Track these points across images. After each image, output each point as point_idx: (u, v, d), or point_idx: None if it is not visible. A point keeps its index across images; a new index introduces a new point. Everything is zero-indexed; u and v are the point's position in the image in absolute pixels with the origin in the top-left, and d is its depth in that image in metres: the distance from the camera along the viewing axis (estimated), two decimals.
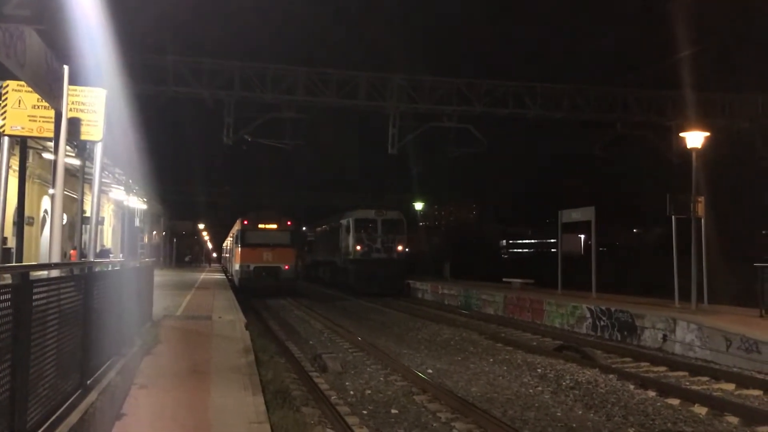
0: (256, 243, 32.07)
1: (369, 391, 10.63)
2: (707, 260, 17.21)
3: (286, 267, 32.29)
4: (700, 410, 9.40)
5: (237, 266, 33.16)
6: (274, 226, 32.73)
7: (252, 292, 30.14)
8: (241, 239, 32.46)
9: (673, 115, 25.04)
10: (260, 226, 32.71)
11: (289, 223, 33.39)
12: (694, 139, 17.55)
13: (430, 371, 12.39)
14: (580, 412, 9.41)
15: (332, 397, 9.97)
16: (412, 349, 15.13)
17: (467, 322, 20.41)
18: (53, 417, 5.10)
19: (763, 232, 43.12)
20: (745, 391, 10.69)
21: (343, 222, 33.92)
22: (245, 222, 32.89)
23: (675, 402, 9.87)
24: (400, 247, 32.44)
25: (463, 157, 28.18)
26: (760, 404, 9.85)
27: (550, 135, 30.85)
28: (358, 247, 31.73)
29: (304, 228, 48.07)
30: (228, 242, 49.96)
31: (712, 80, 25.35)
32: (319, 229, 43.63)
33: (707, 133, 17.74)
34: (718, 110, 25.49)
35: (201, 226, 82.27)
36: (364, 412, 9.34)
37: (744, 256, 24.07)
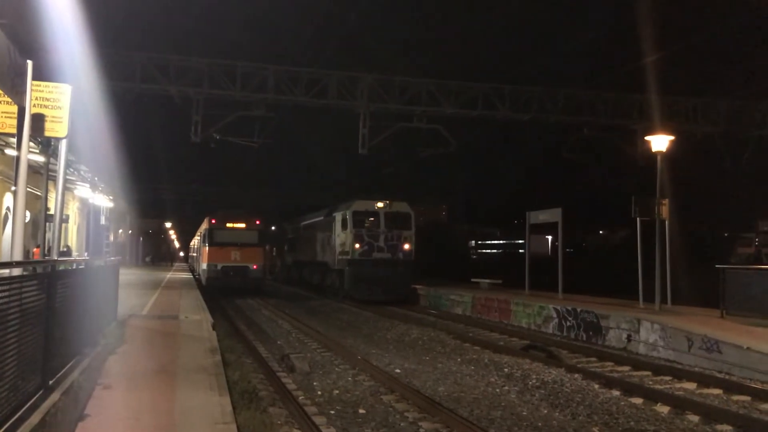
0: (223, 242, 31.81)
1: (337, 391, 10.62)
2: (671, 262, 17.53)
3: (255, 266, 32.09)
4: (663, 409, 9.57)
5: (204, 265, 32.85)
6: (243, 225, 32.51)
7: (219, 291, 29.89)
8: (209, 238, 32.17)
9: (639, 119, 25.46)
10: (228, 225, 32.46)
11: (257, 222, 33.19)
12: (659, 142, 17.88)
13: (398, 371, 12.42)
14: (546, 412, 9.52)
15: (300, 398, 9.93)
16: (381, 349, 15.15)
17: (436, 321, 20.50)
18: (14, 418, 5.01)
19: (725, 234, 44.05)
20: (706, 390, 10.90)
21: (337, 215, 28.46)
22: (213, 221, 32.60)
23: (638, 401, 10.04)
24: (407, 246, 27.04)
25: (433, 158, 28.29)
26: (720, 403, 10.06)
27: (518, 137, 31.09)
28: (357, 245, 26.42)
29: (284, 225, 43.77)
30: (195, 241, 49.45)
31: (676, 85, 25.82)
32: (303, 224, 37.37)
33: (672, 137, 18.09)
34: (683, 114, 25.97)
35: (168, 224, 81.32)
36: (332, 412, 9.33)
37: (707, 258, 24.61)
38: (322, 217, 31.77)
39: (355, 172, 36.74)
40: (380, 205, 27.20)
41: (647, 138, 18.77)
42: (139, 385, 7.98)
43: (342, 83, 23.59)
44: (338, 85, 23.49)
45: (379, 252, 26.71)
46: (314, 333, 17.52)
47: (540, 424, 8.84)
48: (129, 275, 28.77)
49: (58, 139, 8.74)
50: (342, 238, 27.59)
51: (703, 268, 19.19)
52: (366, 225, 26.86)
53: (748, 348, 11.93)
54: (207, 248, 32.29)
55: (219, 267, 31.49)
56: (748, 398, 10.22)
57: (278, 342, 16.36)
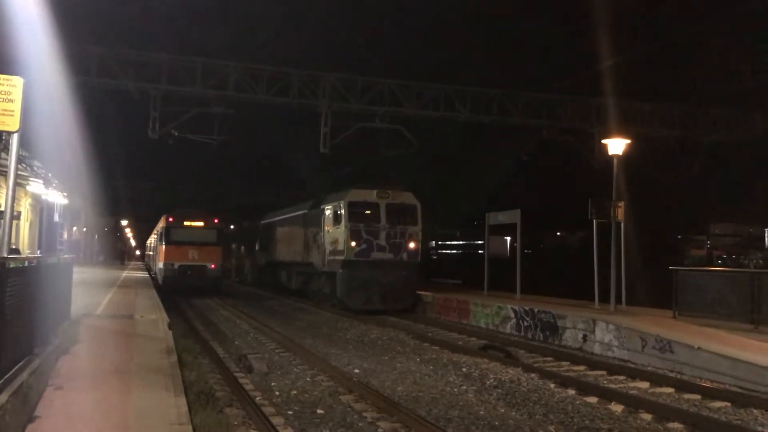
0: (181, 241, 31.34)
1: (295, 392, 10.56)
2: (627, 263, 17.88)
3: (213, 266, 31.70)
4: (617, 408, 9.75)
5: (161, 264, 32.32)
6: (201, 223, 32.06)
7: (176, 291, 29.45)
8: (166, 237, 31.65)
9: (597, 123, 25.90)
10: (186, 223, 31.98)
11: (216, 220, 32.78)
12: (616, 146, 18.22)
13: (357, 371, 12.40)
14: (503, 411, 9.61)
15: (257, 398, 9.84)
16: (340, 349, 15.11)
17: (396, 322, 20.53)
18: None
19: (678, 236, 45.12)
20: (659, 389, 11.14)
21: (327, 208, 24.24)
22: (170, 219, 32.09)
23: (593, 400, 10.21)
24: (412, 245, 22.92)
25: (394, 158, 28.32)
26: (672, 401, 10.29)
27: (479, 138, 31.35)
28: (353, 243, 22.17)
29: (254, 221, 39.55)
30: (152, 240, 48.59)
31: (634, 90, 26.32)
32: (280, 219, 32.89)
33: (628, 141, 18.45)
34: (639, 119, 26.52)
35: (124, 222, 79.81)
36: (290, 412, 9.27)
37: (661, 259, 25.16)
38: (306, 210, 27.59)
39: (317, 171, 36.41)
40: (381, 195, 22.99)
41: (604, 141, 19.11)
42: (93, 385, 7.81)
43: (304, 82, 23.47)
44: (300, 83, 23.36)
45: (379, 251, 22.51)
46: (273, 333, 17.39)
47: (497, 423, 8.92)
48: (83, 274, 28.15)
49: (9, 133, 8.49)
50: (334, 235, 23.36)
51: (658, 270, 19.60)
52: (364, 219, 22.68)
53: (698, 348, 12.24)
54: (164, 247, 31.76)
55: (176, 266, 31.01)
56: (698, 397, 10.48)
57: (236, 342, 16.19)
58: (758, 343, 12.49)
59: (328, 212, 24.14)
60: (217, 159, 36.09)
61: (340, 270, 22.72)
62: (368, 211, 22.82)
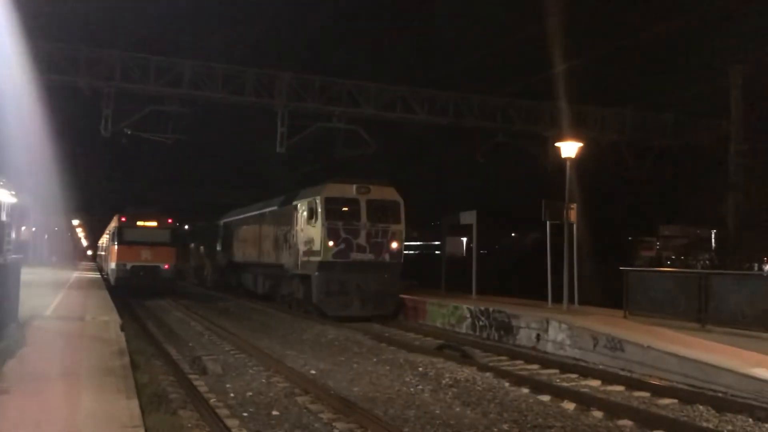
0: (134, 241, 30.79)
1: (250, 393, 10.47)
2: (579, 263, 18.23)
3: (166, 266, 31.23)
4: (569, 406, 9.92)
5: (113, 265, 31.70)
6: (154, 223, 31.56)
7: (129, 292, 28.90)
8: (118, 237, 31.07)
9: (550, 126, 26.33)
10: (139, 223, 31.44)
11: (169, 220, 32.31)
12: (568, 149, 18.56)
13: (313, 372, 12.36)
14: (458, 410, 9.70)
15: (211, 400, 9.73)
16: (296, 350, 15.03)
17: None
18: None
19: (629, 238, 46.12)
20: (610, 387, 11.38)
21: (300, 204, 22.29)
22: (123, 219, 31.50)
23: (546, 398, 10.37)
24: (395, 245, 21.20)
25: (353, 159, 28.31)
26: (623, 399, 10.53)
27: (436, 140, 31.56)
28: (330, 243, 20.32)
29: (214, 220, 37.42)
30: (104, 240, 47.58)
31: (585, 94, 26.81)
32: (245, 217, 30.74)
33: (580, 144, 18.81)
34: (590, 122, 27.06)
35: (76, 222, 77.95)
36: (245, 414, 9.19)
37: (613, 260, 25.69)
38: (276, 207, 25.48)
39: (273, 170, 36.10)
40: (361, 190, 21.13)
41: (557, 144, 19.45)
42: (41, 389, 7.62)
43: (260, 80, 23.29)
44: (256, 82, 23.18)
45: (359, 252, 20.65)
46: (227, 334, 17.21)
47: (453, 422, 9.00)
48: (32, 274, 27.40)
49: None
50: (308, 234, 21.32)
51: (609, 270, 20.02)
52: (342, 216, 20.81)
53: (648, 346, 12.55)
54: (116, 247, 31.17)
55: (128, 266, 30.46)
56: (647, 394, 10.74)
57: (190, 344, 15.98)
58: (705, 342, 12.88)
59: (301, 209, 22.10)
60: (172, 158, 35.50)
61: (316, 272, 20.69)
62: (347, 208, 20.99)
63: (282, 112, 23.46)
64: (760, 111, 28.09)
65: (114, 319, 14.55)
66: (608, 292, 19.71)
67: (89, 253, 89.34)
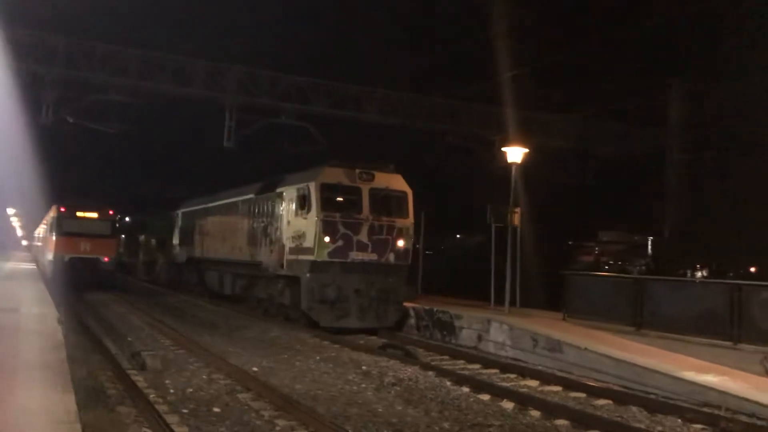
0: (73, 232, 29.95)
1: (191, 390, 10.34)
2: (522, 266, 18.59)
3: (106, 259, 30.49)
4: (508, 405, 10.12)
5: (50, 256, 30.78)
6: (94, 214, 30.76)
7: (67, 284, 28.08)
8: (57, 227, 30.19)
9: (498, 130, 26.76)
10: (78, 214, 30.59)
11: (110, 212, 31.57)
12: (514, 153, 18.89)
13: (255, 369, 12.26)
14: (400, 408, 9.78)
15: (151, 396, 9.57)
16: (239, 347, 14.88)
17: (297, 320, 20.40)
18: None
19: (570, 242, 47.25)
20: (547, 387, 11.65)
21: (286, 191, 18.89)
22: (62, 209, 30.61)
23: (486, 397, 10.56)
24: (401, 243, 17.91)
25: (302, 156, 28.15)
26: (560, 399, 10.80)
27: (386, 140, 31.69)
28: (327, 239, 17.05)
29: (166, 211, 33.76)
30: (41, 230, 46.08)
31: (533, 101, 27.37)
32: (211, 207, 26.53)
33: (526, 149, 19.17)
34: (537, 129, 27.61)
35: (11, 212, 75.26)
36: (185, 410, 9.06)
37: (554, 263, 26.26)
38: (251, 195, 21.85)
39: (219, 165, 35.64)
40: (363, 176, 17.86)
41: (504, 149, 19.78)
42: None
43: (209, 73, 22.98)
44: (205, 74, 22.87)
45: (360, 251, 17.42)
46: (168, 330, 16.91)
47: (395, 420, 9.07)
48: None
49: None
50: (298, 227, 17.98)
51: (551, 274, 20.47)
52: (340, 207, 17.58)
53: (585, 348, 12.90)
54: (54, 238, 30.28)
55: (66, 258, 29.61)
56: (584, 395, 11.03)
57: (129, 338, 15.60)
58: (639, 345, 13.33)
59: (288, 197, 18.69)
60: (116, 149, 34.63)
61: (308, 274, 17.25)
62: (346, 197, 17.73)
63: (230, 106, 23.19)
64: (698, 123, 29.16)
65: (51, 312, 14.10)
66: (549, 295, 20.14)
67: (24, 243, 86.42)
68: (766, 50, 27.84)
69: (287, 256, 18.38)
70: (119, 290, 29.62)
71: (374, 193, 17.90)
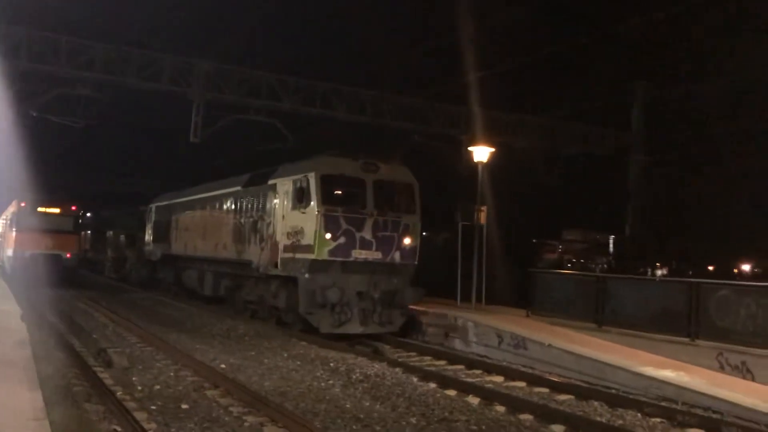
0: (34, 228, 29.41)
1: (158, 387, 10.32)
2: (488, 264, 18.87)
3: (68, 255, 30.01)
4: (474, 400, 10.33)
5: (11, 252, 30.21)
6: (57, 210, 30.24)
7: (28, 281, 27.57)
8: (17, 223, 29.61)
9: (465, 130, 27.00)
10: (40, 209, 30.04)
11: (73, 207, 31.08)
12: (481, 153, 19.17)
13: (223, 366, 12.27)
14: (368, 404, 9.91)
15: (118, 393, 9.54)
16: (206, 344, 14.85)
17: (265, 317, 20.38)
18: None
19: (534, 240, 47.94)
20: (512, 383, 11.90)
21: (280, 183, 17.42)
22: (23, 204, 30.02)
23: (452, 393, 10.76)
24: (408, 241, 16.53)
25: (269, 152, 28.00)
26: (524, 394, 11.04)
27: (353, 137, 31.78)
28: (328, 236, 15.55)
29: (153, 203, 30.15)
30: (0, 225, 45.09)
31: (499, 101, 27.68)
32: (191, 200, 24.78)
33: (492, 149, 19.47)
34: (503, 129, 27.93)
35: None
36: (153, 407, 9.07)
37: (520, 261, 26.65)
38: (238, 188, 20.25)
39: (186, 160, 35.27)
40: (367, 167, 16.41)
41: (470, 148, 20.05)
42: None
43: (176, 68, 22.77)
44: (172, 70, 22.65)
45: (363, 249, 15.94)
46: (134, 327, 16.76)
47: (362, 416, 9.20)
48: None
49: None
50: (294, 223, 16.41)
51: (517, 272, 20.82)
52: (342, 201, 16.14)
53: (549, 345, 13.21)
54: (14, 234, 29.71)
55: (27, 254, 29.07)
56: (547, 390, 11.30)
57: (94, 336, 15.44)
58: (601, 342, 13.69)
59: (283, 190, 17.12)
60: (82, 143, 34.02)
61: (306, 274, 15.71)
62: (349, 190, 16.33)
63: (198, 102, 23.01)
64: (660, 125, 29.88)
65: (13, 308, 13.96)
66: (515, 292, 20.48)
67: None
68: (726, 55, 28.71)
69: (282, 255, 16.77)
70: (83, 287, 29.20)
71: (379, 186, 16.42)
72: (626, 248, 30.66)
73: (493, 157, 19.48)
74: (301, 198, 16.15)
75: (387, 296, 16.11)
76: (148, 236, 29.89)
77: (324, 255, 15.51)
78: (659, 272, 35.45)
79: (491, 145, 19.61)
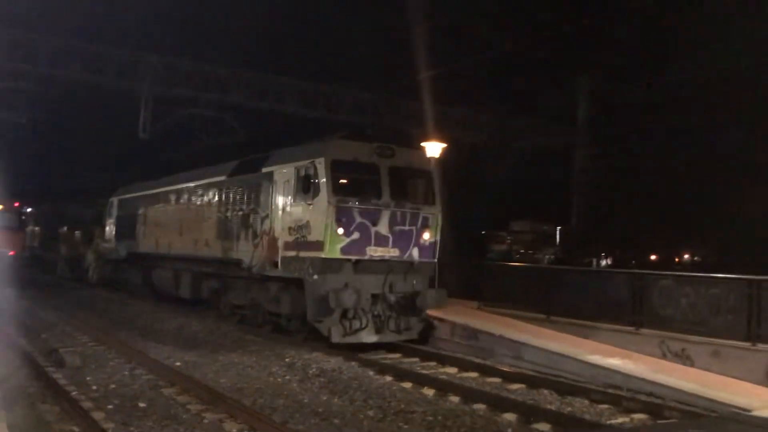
0: None
1: (113, 386, 10.27)
2: (440, 256, 19.12)
3: (12, 252, 29.21)
4: (429, 392, 10.59)
5: None
6: None
7: None
8: None
9: (417, 125, 27.22)
10: None
11: (16, 204, 30.28)
12: (433, 148, 19.39)
13: (178, 364, 12.24)
14: (326, 398, 10.06)
15: (73, 393, 9.47)
16: (159, 342, 14.72)
17: (217, 314, 20.28)
18: None
19: (483, 232, 48.77)
20: (465, 374, 12.20)
21: (278, 171, 15.24)
22: None
23: (408, 385, 11.00)
24: (427, 236, 14.65)
25: (219, 147, 27.66)
26: (477, 385, 11.35)
27: (306, 133, 31.69)
28: (340, 231, 13.47)
29: (115, 196, 27.55)
30: None
31: (451, 97, 27.98)
32: (164, 191, 22.31)
33: (444, 144, 19.70)
34: (453, 124, 28.26)
35: None
36: (110, 406, 9.03)
37: (470, 253, 27.10)
38: (223, 177, 18.08)
39: (134, 156, 34.45)
40: (382, 151, 14.36)
41: (423, 144, 20.25)
42: None
43: (123, 63, 22.32)
44: (119, 64, 22.20)
45: (379, 245, 13.91)
46: (83, 326, 16.53)
47: (320, 410, 9.34)
48: None
49: None
50: (298, 216, 14.28)
51: (467, 263, 21.13)
52: (355, 191, 14.06)
53: (500, 336, 13.56)
54: None
55: None
56: (499, 380, 11.64)
57: (43, 335, 15.20)
58: (550, 332, 14.13)
59: (282, 179, 14.96)
60: (25, 139, 32.89)
61: (315, 276, 13.60)
62: (362, 178, 14.28)
63: (146, 97, 22.62)
64: (605, 119, 30.71)
65: None
66: (466, 284, 20.80)
67: None
68: (672, 51, 29.70)
69: (283, 253, 14.59)
70: (26, 285, 28.43)
71: (395, 173, 14.44)
72: (572, 239, 31.47)
73: (445, 152, 19.72)
74: (306, 188, 14.00)
75: (404, 299, 14.28)
76: (110, 232, 27.47)
77: (336, 253, 13.46)
78: (604, 262, 36.55)
79: (443, 140, 19.85)
